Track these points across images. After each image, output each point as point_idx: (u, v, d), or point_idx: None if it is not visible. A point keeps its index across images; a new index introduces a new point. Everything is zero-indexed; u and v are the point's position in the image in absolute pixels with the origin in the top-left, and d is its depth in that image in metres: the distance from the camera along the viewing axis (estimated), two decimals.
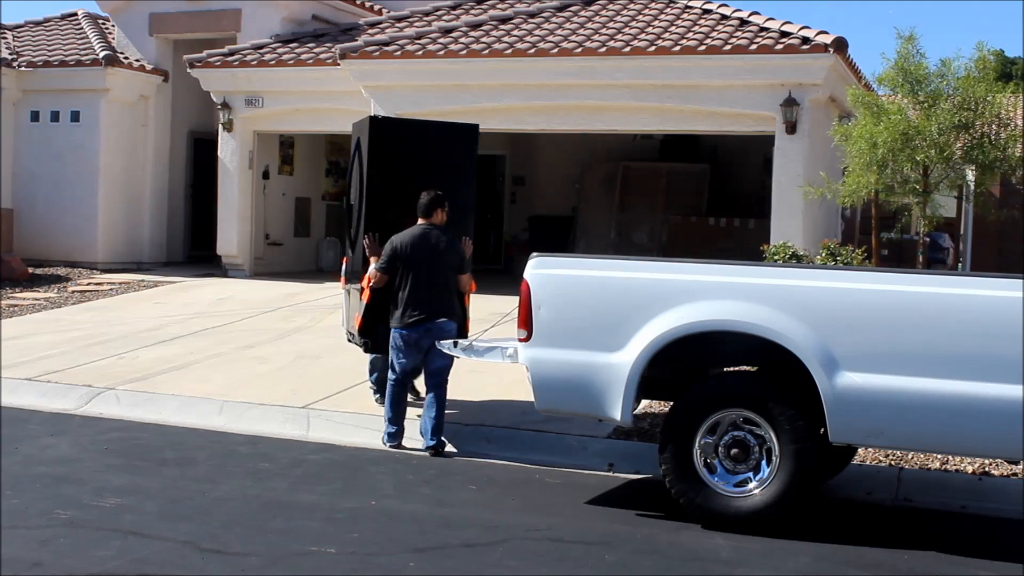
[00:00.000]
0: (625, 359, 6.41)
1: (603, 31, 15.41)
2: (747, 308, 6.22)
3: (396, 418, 8.34)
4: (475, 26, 16.39)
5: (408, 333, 8.16)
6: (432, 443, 8.09)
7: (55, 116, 18.24)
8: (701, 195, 18.96)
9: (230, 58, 17.25)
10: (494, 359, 7.44)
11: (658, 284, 6.51)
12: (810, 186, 13.07)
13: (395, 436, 8.30)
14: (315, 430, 8.65)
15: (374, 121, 9.00)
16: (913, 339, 5.92)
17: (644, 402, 8.54)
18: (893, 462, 7.81)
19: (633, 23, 15.64)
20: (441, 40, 15.99)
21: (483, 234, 18.28)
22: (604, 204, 19.16)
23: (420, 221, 8.36)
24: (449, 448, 8.20)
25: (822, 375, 6.02)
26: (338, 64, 16.03)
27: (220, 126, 17.48)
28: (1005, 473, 7.54)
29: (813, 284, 6.26)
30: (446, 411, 8.33)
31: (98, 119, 17.93)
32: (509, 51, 15.18)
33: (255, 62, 17.01)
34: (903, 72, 11.72)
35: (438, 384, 8.21)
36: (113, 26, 19.27)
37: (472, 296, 8.80)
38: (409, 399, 8.62)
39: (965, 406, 5.78)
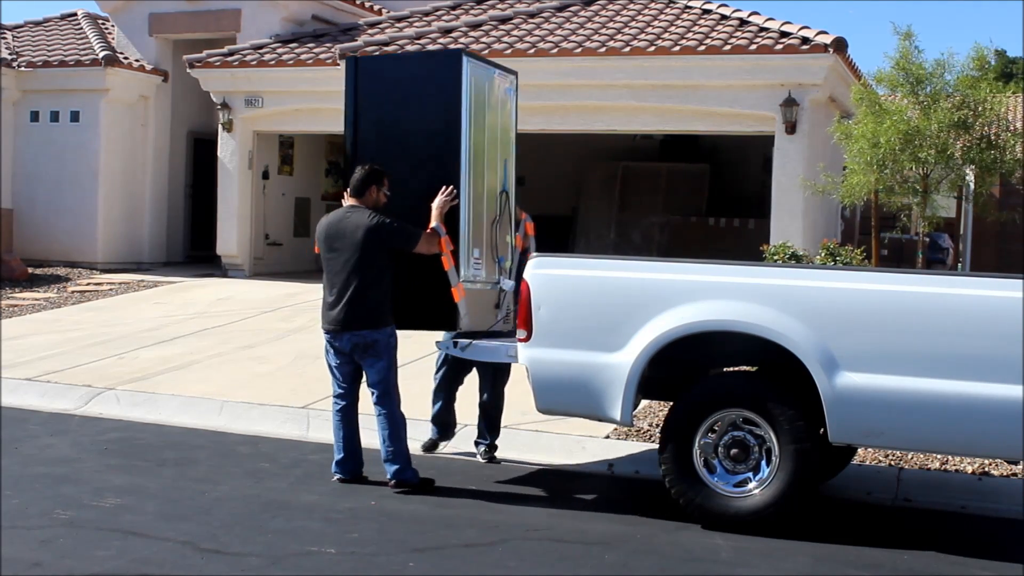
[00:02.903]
0: (625, 359, 6.41)
1: (603, 31, 15.42)
2: (747, 308, 6.21)
3: (340, 444, 7.00)
4: (475, 26, 16.40)
5: (327, 337, 7.01)
6: (389, 476, 6.85)
7: (55, 116, 18.24)
8: (701, 195, 18.98)
9: (230, 58, 17.25)
10: (494, 359, 7.44)
11: (658, 284, 6.50)
12: (809, 183, 13.07)
13: (340, 465, 6.98)
14: (315, 430, 8.64)
15: (352, 63, 7.46)
16: (913, 339, 5.92)
17: (644, 402, 8.54)
18: (893, 462, 7.80)
19: (633, 23, 15.65)
20: (441, 40, 15.99)
21: None
22: (604, 204, 19.16)
23: (348, 201, 6.95)
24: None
25: (822, 375, 6.01)
26: (338, 64, 16.01)
27: (220, 126, 17.48)
28: (1005, 473, 7.54)
29: (813, 284, 6.25)
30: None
31: (98, 119, 17.93)
32: (509, 51, 15.18)
33: (255, 62, 17.00)
34: (904, 71, 11.72)
35: (378, 402, 6.90)
36: (113, 26, 19.26)
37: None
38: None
39: (965, 406, 5.77)
